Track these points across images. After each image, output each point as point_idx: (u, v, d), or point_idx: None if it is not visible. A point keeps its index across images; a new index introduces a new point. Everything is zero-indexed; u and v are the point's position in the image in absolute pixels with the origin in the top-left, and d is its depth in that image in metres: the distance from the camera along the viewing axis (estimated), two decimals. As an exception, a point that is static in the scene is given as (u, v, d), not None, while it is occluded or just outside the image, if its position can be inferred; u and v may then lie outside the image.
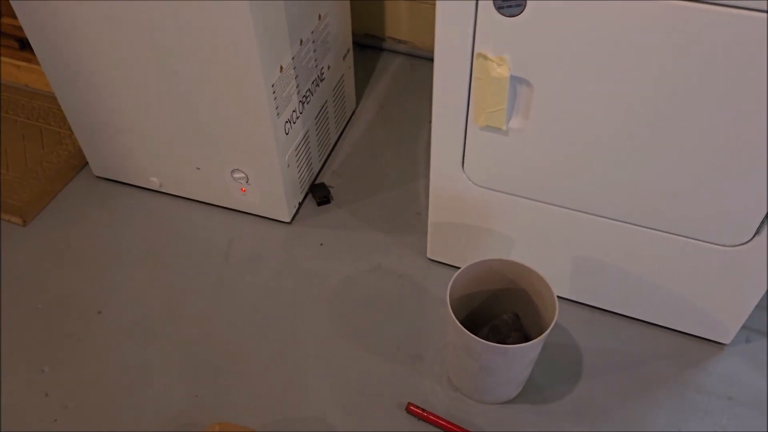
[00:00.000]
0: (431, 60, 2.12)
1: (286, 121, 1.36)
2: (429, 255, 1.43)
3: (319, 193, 1.55)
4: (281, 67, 1.28)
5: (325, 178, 1.62)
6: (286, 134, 1.37)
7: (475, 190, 1.22)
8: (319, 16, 1.41)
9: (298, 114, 1.41)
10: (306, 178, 1.55)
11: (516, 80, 1.02)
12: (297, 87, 1.37)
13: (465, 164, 1.19)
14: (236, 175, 1.43)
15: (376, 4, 1.92)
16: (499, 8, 0.95)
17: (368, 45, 2.01)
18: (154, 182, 1.55)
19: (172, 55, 1.24)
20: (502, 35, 0.98)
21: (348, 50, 1.64)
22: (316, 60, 1.44)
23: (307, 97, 1.44)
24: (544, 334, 1.04)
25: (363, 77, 1.90)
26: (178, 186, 1.55)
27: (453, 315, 1.06)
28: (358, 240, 1.49)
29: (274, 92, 1.27)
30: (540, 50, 0.98)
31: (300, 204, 1.55)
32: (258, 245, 1.49)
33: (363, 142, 1.71)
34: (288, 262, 1.45)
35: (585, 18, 0.92)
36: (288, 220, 1.51)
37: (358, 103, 1.82)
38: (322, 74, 1.50)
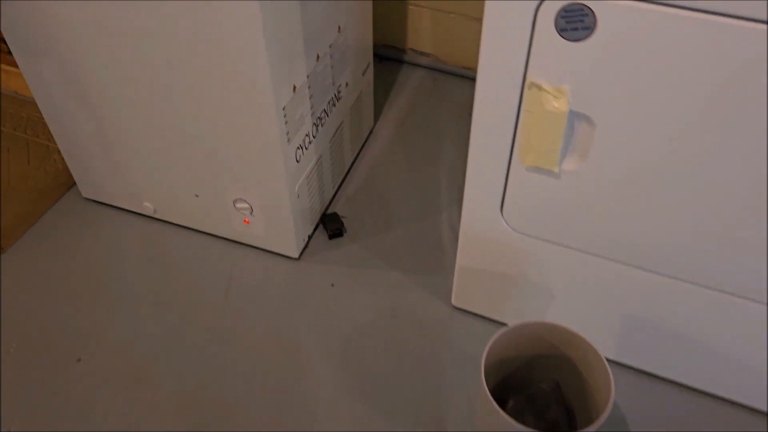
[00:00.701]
0: (456, 75, 1.98)
1: (298, 147, 1.20)
2: (454, 302, 1.27)
3: (331, 225, 1.39)
4: (294, 87, 1.12)
5: (338, 207, 1.46)
6: (297, 162, 1.21)
7: (513, 237, 1.05)
8: (339, 27, 1.24)
9: (311, 138, 1.25)
10: (317, 207, 1.38)
11: (575, 116, 0.86)
12: (311, 108, 1.21)
13: (504, 207, 1.02)
14: (239, 206, 1.27)
15: (397, 12, 1.76)
16: (561, 31, 0.78)
17: (388, 57, 1.85)
18: (148, 207, 1.39)
19: (170, 67, 1.08)
20: (562, 63, 0.81)
21: (368, 65, 1.47)
22: (333, 77, 1.28)
23: (321, 119, 1.28)
24: (600, 420, 0.87)
25: (382, 92, 1.73)
26: (174, 213, 1.39)
27: (489, 394, 0.89)
28: (374, 280, 1.32)
29: (285, 115, 1.11)
30: (607, 82, 0.81)
31: (309, 237, 1.39)
32: (261, 283, 1.32)
33: (380, 165, 1.55)
34: (294, 303, 1.29)
35: (666, 45, 0.75)
36: (296, 255, 1.34)
37: (376, 121, 1.65)
38: (339, 92, 1.33)
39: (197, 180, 1.27)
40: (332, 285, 1.32)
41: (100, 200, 1.45)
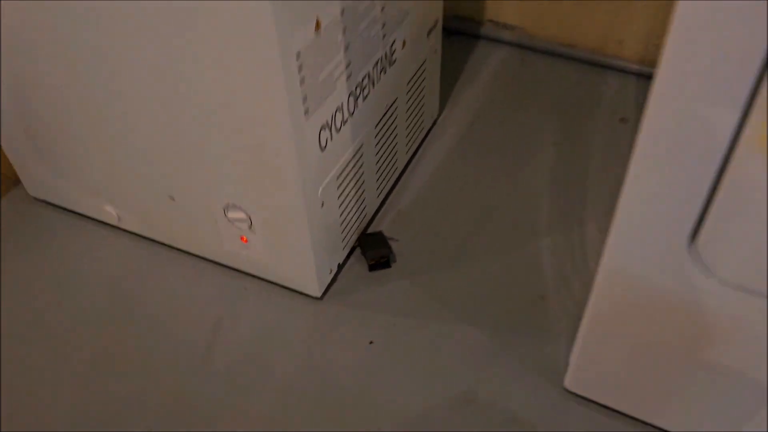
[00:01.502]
0: (552, 54, 1.30)
1: (323, 126, 0.75)
2: (568, 384, 0.78)
3: (372, 251, 0.93)
4: (318, 23, 0.67)
5: (385, 226, 1.00)
6: (322, 149, 0.76)
7: (708, 287, 0.57)
8: (396, -56, 0.79)
9: (346, 114, 0.80)
10: (353, 223, 0.93)
11: None
12: (347, 66, 0.76)
13: (700, 236, 0.54)
14: (233, 215, 0.82)
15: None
16: None
17: (458, 30, 1.39)
18: (109, 214, 0.96)
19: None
20: None
21: (436, 23, 1.02)
22: (384, 25, 0.82)
23: (364, 88, 0.82)
24: None
25: (450, 73, 1.27)
26: (143, 222, 0.95)
27: None
28: (436, 340, 0.85)
29: (300, 68, 0.66)
30: None
31: (340, 266, 0.93)
32: (263, 335, 0.87)
33: (447, 168, 1.08)
34: (311, 371, 0.83)
35: None
36: (317, 293, 0.89)
37: (441, 109, 1.19)
38: (393, 53, 0.88)
39: (170, 174, 0.83)
40: (371, 343, 0.85)
41: (50, 200, 1.03)
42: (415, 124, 1.05)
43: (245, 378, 0.82)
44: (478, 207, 1.02)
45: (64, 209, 1.03)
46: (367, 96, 0.84)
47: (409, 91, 0.98)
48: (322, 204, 0.80)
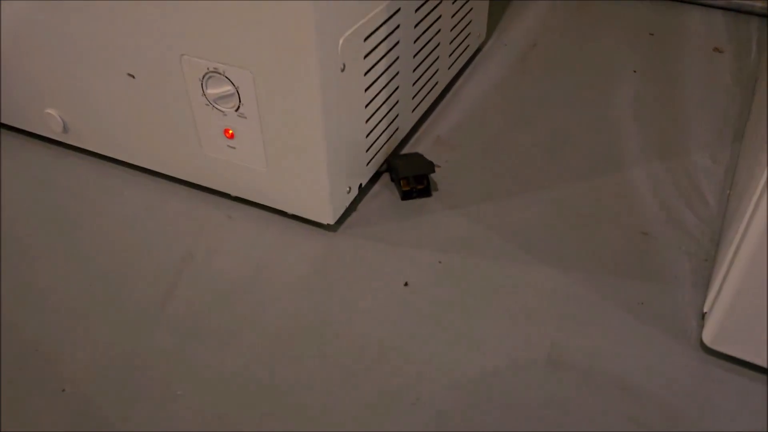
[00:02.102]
0: None
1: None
2: (707, 339, 0.51)
3: (407, 173, 0.67)
4: None
5: (423, 146, 0.75)
6: (347, -31, 0.52)
7: None
8: None
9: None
10: (382, 134, 0.67)
11: None
12: None
13: None
14: (214, 90, 0.57)
15: None
16: None
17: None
18: (53, 121, 0.71)
19: None
20: None
21: None
22: None
23: None
24: None
25: (497, 5, 1.04)
26: (94, 131, 0.70)
27: None
28: (501, 285, 0.59)
29: None
30: None
31: (361, 188, 0.67)
32: (249, 274, 0.60)
33: (500, 95, 0.84)
34: (318, 321, 0.56)
35: None
36: (330, 219, 0.63)
37: (489, 36, 0.96)
38: None
39: (128, 31, 0.58)
40: (405, 285, 0.59)
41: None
42: (460, 34, 0.81)
43: (216, 331, 0.55)
44: (544, 133, 0.77)
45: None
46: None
47: (458, -27, 0.75)
48: (343, 67, 0.55)
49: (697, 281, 0.59)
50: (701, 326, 0.54)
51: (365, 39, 0.58)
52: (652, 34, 0.96)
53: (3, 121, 0.76)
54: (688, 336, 0.54)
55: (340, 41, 0.53)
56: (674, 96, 0.83)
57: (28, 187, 0.70)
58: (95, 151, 0.72)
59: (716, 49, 0.92)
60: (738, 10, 1.02)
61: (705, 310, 0.54)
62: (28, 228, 0.65)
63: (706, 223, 0.65)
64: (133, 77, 0.61)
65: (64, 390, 0.51)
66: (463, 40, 0.83)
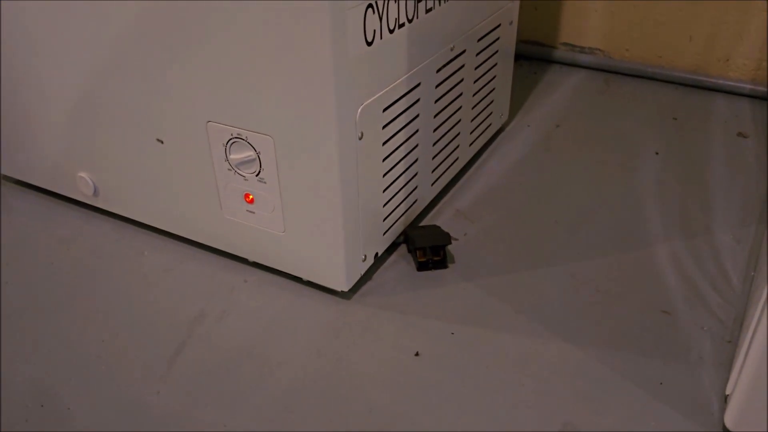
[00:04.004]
0: (640, 77, 1.08)
1: (369, 5, 0.53)
2: (729, 423, 0.49)
3: (424, 245, 0.67)
4: None
5: (442, 219, 0.75)
6: (368, 41, 0.54)
7: None
8: None
9: (403, 14, 0.58)
10: (400, 206, 0.68)
11: None
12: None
13: None
14: (236, 155, 0.59)
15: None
16: None
17: (528, 56, 1.21)
18: (84, 184, 0.74)
19: None
20: None
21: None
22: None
23: (429, 8, 0.61)
24: None
25: (522, 89, 1.07)
26: (122, 196, 0.72)
27: None
28: (514, 358, 0.58)
29: None
30: None
31: (377, 257, 0.67)
32: (261, 338, 0.60)
33: (520, 173, 0.85)
34: (328, 386, 0.55)
35: None
36: (344, 287, 0.63)
37: (512, 117, 0.98)
38: (464, -16, 0.68)
39: (158, 100, 0.61)
40: (416, 355, 0.58)
41: (19, 178, 0.82)
42: (482, 112, 0.83)
43: (222, 393, 0.55)
44: (565, 210, 0.77)
45: (33, 187, 0.81)
46: (430, 10, 0.63)
47: (479, 66, 0.77)
48: (361, 135, 0.56)
49: (719, 362, 0.56)
50: (723, 409, 0.51)
51: (384, 110, 0.59)
52: (676, 119, 0.97)
53: (34, 182, 0.79)
54: (711, 419, 0.51)
55: (359, 110, 0.55)
56: (697, 177, 0.83)
57: (53, 245, 0.72)
58: (121, 214, 0.74)
59: (740, 134, 0.92)
60: (764, 98, 1.02)
61: (727, 392, 0.52)
62: (46, 283, 0.66)
63: (730, 303, 0.63)
64: (162, 142, 0.64)
65: (65, 447, 0.50)
66: (485, 119, 0.85)
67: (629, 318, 0.62)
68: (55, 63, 0.66)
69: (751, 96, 1.03)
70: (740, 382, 0.48)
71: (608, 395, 0.54)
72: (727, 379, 0.54)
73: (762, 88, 1.02)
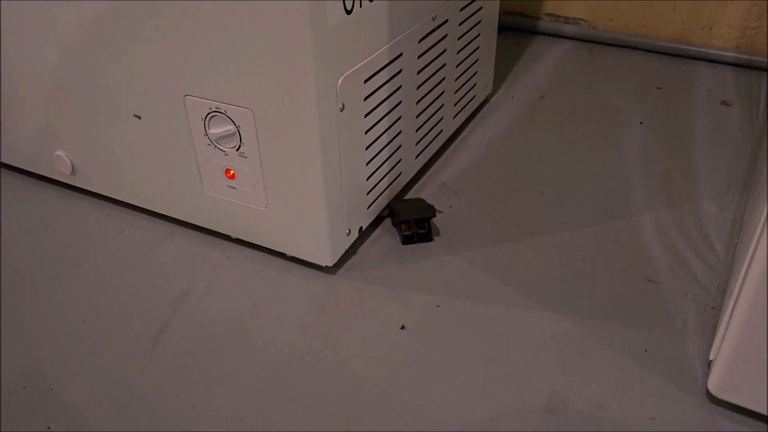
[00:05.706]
0: (624, 47, 1.06)
1: (350, -22, 0.52)
2: (713, 388, 0.49)
3: (409, 218, 0.67)
4: None
5: (427, 192, 0.75)
6: (347, 9, 0.53)
7: None
8: None
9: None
10: (384, 178, 0.67)
11: None
12: None
13: None
14: (216, 130, 0.58)
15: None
16: None
17: (510, 27, 1.19)
18: (61, 163, 0.72)
19: None
20: None
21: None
22: None
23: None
24: None
25: (505, 61, 1.06)
26: (101, 174, 0.71)
27: None
28: (501, 329, 0.58)
29: None
30: None
31: (362, 230, 0.67)
32: (244, 315, 0.60)
33: (505, 144, 0.84)
34: (312, 362, 0.55)
35: None
36: (329, 261, 0.62)
37: (495, 89, 0.97)
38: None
39: (132, 73, 0.60)
40: (402, 328, 0.58)
41: (-8, 158, 0.80)
42: (466, 84, 0.82)
43: (207, 370, 0.54)
44: (550, 181, 0.77)
45: (5, 165, 0.80)
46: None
47: (463, 30, 0.76)
48: (342, 107, 0.55)
49: (704, 329, 0.57)
50: (707, 375, 0.52)
51: (366, 81, 0.58)
52: (660, 88, 0.96)
53: (11, 162, 0.77)
54: (694, 385, 0.52)
55: (339, 81, 0.54)
56: (681, 147, 0.83)
57: (31, 226, 0.70)
58: (100, 192, 0.73)
59: (724, 103, 0.92)
60: (747, 66, 1.02)
61: (711, 358, 0.52)
62: (26, 265, 0.65)
63: (714, 270, 0.63)
64: (139, 118, 0.62)
65: (49, 428, 0.50)
66: (468, 91, 0.84)
67: (615, 287, 0.62)
68: (28, 40, 0.64)
69: (735, 64, 1.03)
70: (723, 348, 0.48)
71: (594, 364, 0.54)
72: (710, 346, 0.54)
73: (745, 56, 1.02)
